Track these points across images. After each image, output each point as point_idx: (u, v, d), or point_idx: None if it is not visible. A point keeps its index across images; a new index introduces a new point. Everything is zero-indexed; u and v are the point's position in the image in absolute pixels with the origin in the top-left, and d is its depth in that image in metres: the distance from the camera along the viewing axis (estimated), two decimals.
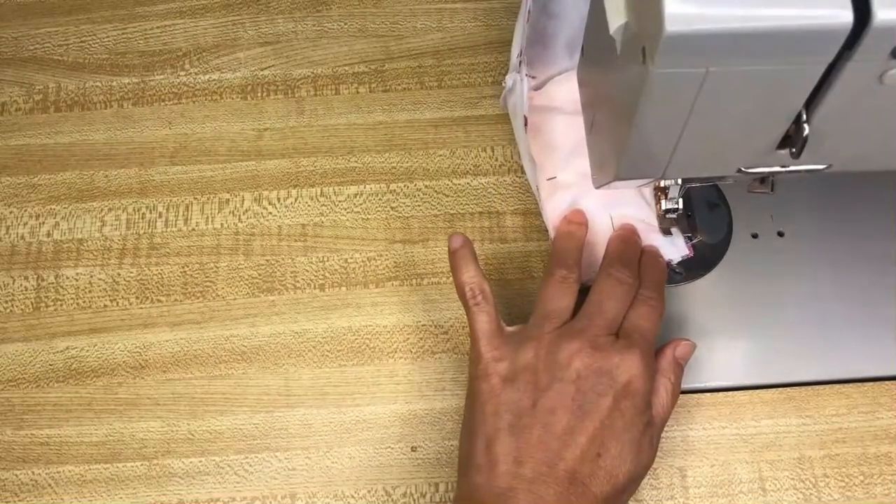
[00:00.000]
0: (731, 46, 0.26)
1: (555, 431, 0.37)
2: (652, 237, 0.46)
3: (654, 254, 0.45)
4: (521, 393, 0.38)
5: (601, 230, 0.46)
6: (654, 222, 0.46)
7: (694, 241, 0.47)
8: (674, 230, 0.46)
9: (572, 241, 0.44)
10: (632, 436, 0.37)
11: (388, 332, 0.47)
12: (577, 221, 0.46)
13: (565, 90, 0.49)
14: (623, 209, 0.46)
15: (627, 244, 0.44)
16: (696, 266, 0.47)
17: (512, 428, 0.37)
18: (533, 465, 0.36)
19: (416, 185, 0.50)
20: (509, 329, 0.41)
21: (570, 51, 0.49)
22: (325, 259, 0.49)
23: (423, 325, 0.47)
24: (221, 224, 0.50)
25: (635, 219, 0.46)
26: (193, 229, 0.50)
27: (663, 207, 0.46)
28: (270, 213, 0.50)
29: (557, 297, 0.41)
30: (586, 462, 0.36)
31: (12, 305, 0.48)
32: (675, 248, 0.46)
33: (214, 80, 0.54)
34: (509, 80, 0.48)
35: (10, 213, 0.50)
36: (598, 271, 0.42)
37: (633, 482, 0.38)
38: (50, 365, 0.47)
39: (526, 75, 0.47)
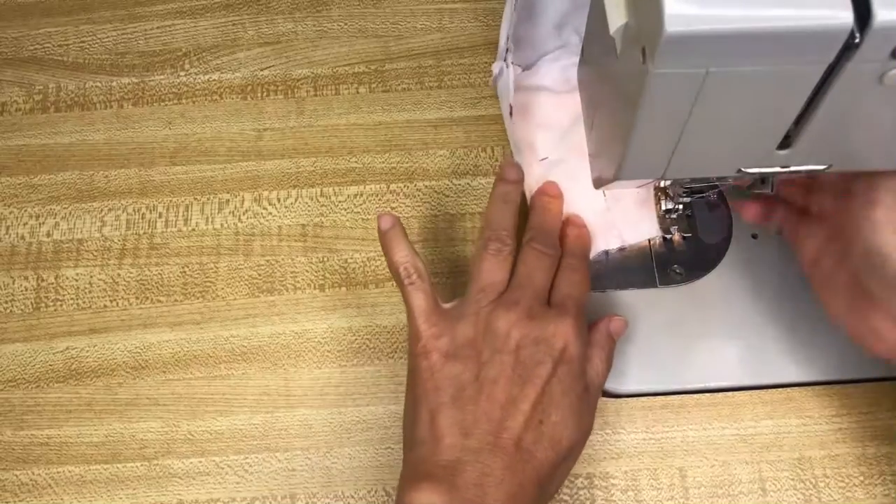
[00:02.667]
0: (731, 46, 0.26)
1: (498, 401, 0.38)
2: (644, 212, 0.47)
3: (577, 223, 0.46)
4: (463, 367, 0.39)
5: (596, 207, 0.47)
6: (649, 195, 0.47)
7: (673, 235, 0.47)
8: (673, 229, 0.46)
9: (506, 205, 0.44)
10: (570, 400, 0.38)
11: (388, 332, 0.47)
12: (513, 180, 0.44)
13: (555, 70, 0.50)
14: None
15: (547, 215, 0.45)
16: (696, 266, 0.47)
17: (455, 401, 0.38)
18: (478, 436, 0.37)
19: (416, 185, 0.50)
20: (446, 306, 0.41)
21: (558, 29, 0.49)
22: (325, 259, 0.49)
23: None
24: (221, 224, 0.50)
25: (627, 193, 0.47)
26: (193, 229, 0.50)
27: (663, 207, 0.46)
28: (270, 213, 0.50)
29: (493, 270, 0.41)
30: (530, 429, 0.37)
31: (12, 305, 0.48)
32: (647, 229, 0.47)
33: (214, 80, 0.54)
34: (496, 67, 0.48)
35: (10, 213, 0.50)
36: (522, 244, 0.43)
37: (575, 447, 0.39)
38: (50, 365, 0.47)
39: (512, 63, 0.47)
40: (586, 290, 0.43)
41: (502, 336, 0.39)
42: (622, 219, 0.47)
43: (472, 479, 0.36)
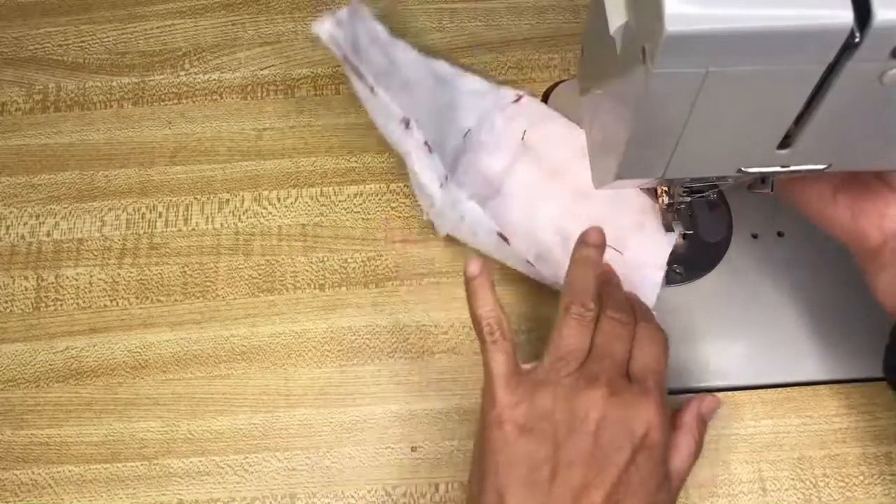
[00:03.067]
0: (731, 46, 0.26)
1: (571, 486, 0.35)
2: (644, 238, 0.46)
3: (634, 294, 0.43)
4: (538, 444, 0.36)
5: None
6: (651, 217, 0.46)
7: (681, 233, 0.47)
8: (675, 224, 0.46)
9: (589, 268, 0.41)
10: (648, 490, 0.36)
11: (388, 332, 0.47)
12: (595, 244, 0.41)
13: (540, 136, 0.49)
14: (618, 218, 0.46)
15: (611, 285, 0.43)
16: (696, 266, 0.47)
17: (527, 482, 0.35)
18: None
19: None
20: (525, 367, 0.39)
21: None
22: (325, 259, 0.49)
23: (422, 325, 0.47)
24: (221, 224, 0.50)
25: (622, 226, 0.46)
26: (193, 229, 0.50)
27: (665, 202, 0.46)
28: (270, 213, 0.50)
29: (574, 337, 0.38)
30: None
31: (12, 305, 0.48)
32: (665, 246, 0.46)
33: (214, 80, 0.54)
34: (444, 206, 0.45)
35: (10, 213, 0.50)
36: (601, 314, 0.40)
37: None
38: (50, 365, 0.47)
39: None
40: (665, 364, 0.39)
41: (581, 414, 0.36)
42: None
43: None
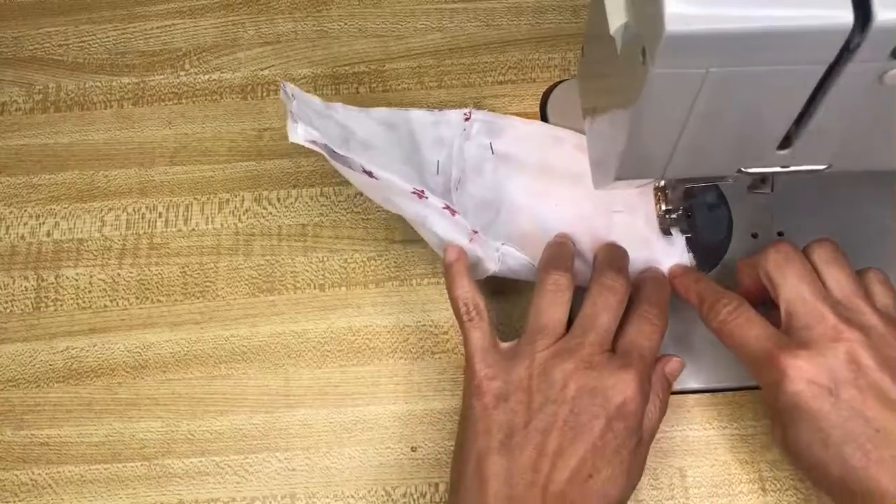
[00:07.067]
0: (732, 46, 0.26)
1: (546, 453, 0.37)
2: (653, 241, 0.45)
3: (659, 272, 0.44)
4: (514, 412, 0.38)
5: (601, 234, 0.46)
6: (654, 223, 0.46)
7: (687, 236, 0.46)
8: (673, 231, 0.46)
9: (564, 245, 0.44)
10: (622, 457, 0.37)
11: (388, 332, 0.47)
12: (565, 241, 0.44)
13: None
14: (623, 215, 0.46)
15: (616, 250, 0.44)
16: (697, 266, 0.47)
17: (503, 447, 0.37)
18: (523, 487, 0.36)
19: None
20: (504, 345, 0.41)
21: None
22: (325, 259, 0.49)
23: (422, 325, 0.47)
24: (221, 224, 0.50)
25: (634, 223, 0.46)
26: (193, 229, 0.50)
27: (663, 207, 0.46)
28: (270, 213, 0.50)
29: (550, 308, 0.40)
30: (576, 484, 0.36)
31: (12, 305, 0.48)
32: (674, 253, 0.45)
33: (214, 80, 0.54)
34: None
35: (10, 213, 0.50)
36: (591, 281, 0.41)
37: (623, 501, 0.38)
38: (50, 365, 0.47)
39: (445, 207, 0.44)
40: (658, 343, 0.40)
41: (557, 385, 0.38)
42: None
43: None
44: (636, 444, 0.38)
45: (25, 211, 0.50)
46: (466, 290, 0.41)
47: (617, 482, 0.37)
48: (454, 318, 0.42)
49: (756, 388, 0.45)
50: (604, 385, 0.37)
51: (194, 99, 0.53)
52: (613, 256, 0.43)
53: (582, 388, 0.37)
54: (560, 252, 0.43)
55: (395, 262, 0.48)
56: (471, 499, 0.37)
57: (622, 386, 0.37)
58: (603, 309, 0.40)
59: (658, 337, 0.40)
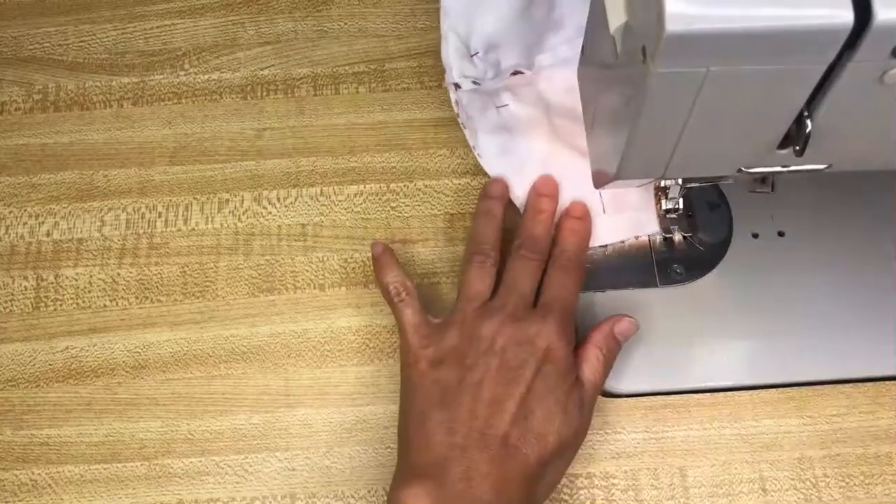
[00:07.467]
0: (732, 46, 0.26)
1: (483, 400, 0.39)
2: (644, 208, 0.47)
3: (576, 214, 0.46)
4: (449, 371, 0.40)
5: (593, 204, 0.47)
6: (649, 193, 0.47)
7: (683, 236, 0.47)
8: (673, 228, 0.47)
9: (490, 219, 0.45)
10: (556, 397, 0.39)
11: (388, 332, 0.47)
12: (496, 196, 0.47)
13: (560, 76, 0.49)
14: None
15: (538, 219, 0.45)
16: (696, 266, 0.47)
17: (442, 403, 0.39)
18: (464, 433, 0.38)
19: (416, 184, 0.50)
20: (435, 320, 0.43)
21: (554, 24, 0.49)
22: (325, 259, 0.49)
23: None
24: (221, 224, 0.50)
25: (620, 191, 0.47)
26: (193, 229, 0.50)
27: (663, 207, 0.46)
28: (270, 212, 0.50)
29: (477, 281, 0.43)
30: (515, 426, 0.38)
31: (12, 305, 0.48)
32: (640, 225, 0.47)
33: (214, 79, 0.54)
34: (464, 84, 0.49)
35: (10, 212, 0.50)
36: (511, 251, 0.44)
37: (565, 445, 0.39)
38: (49, 365, 0.47)
39: (473, 81, 0.48)
40: (576, 291, 0.43)
41: (487, 340, 0.40)
42: (621, 214, 0.47)
43: (459, 474, 0.37)
44: (571, 386, 0.40)
45: (25, 211, 0.50)
46: (395, 275, 0.44)
47: (553, 422, 0.39)
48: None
49: (755, 387, 0.45)
50: (528, 334, 0.40)
51: (194, 99, 0.53)
52: (533, 227, 0.45)
53: (509, 339, 0.40)
54: (486, 228, 0.45)
55: None
56: (417, 456, 0.38)
57: (545, 333, 0.40)
58: (521, 275, 0.43)
59: (573, 283, 0.43)
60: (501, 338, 0.40)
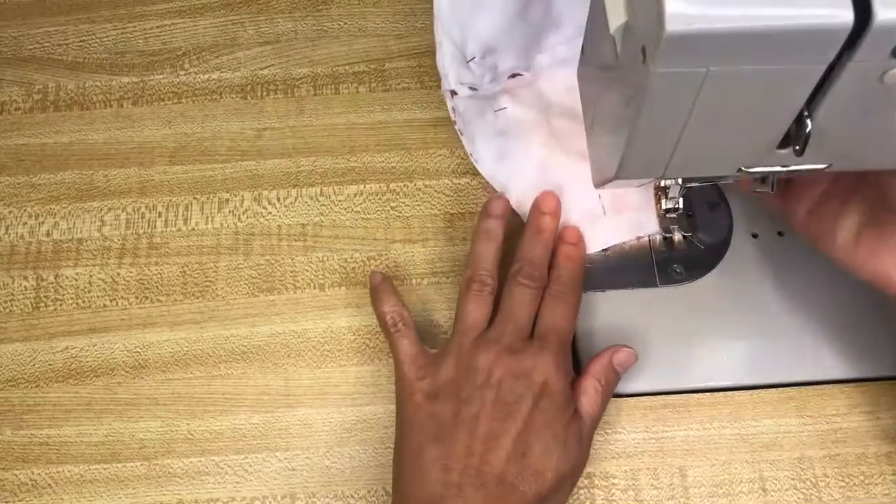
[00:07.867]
0: (732, 46, 0.26)
1: (479, 436, 0.38)
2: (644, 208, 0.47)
3: (570, 240, 0.45)
4: (445, 405, 0.39)
5: (593, 207, 0.47)
6: (649, 193, 0.47)
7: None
8: (673, 228, 0.46)
9: (489, 242, 0.44)
10: (554, 431, 0.39)
11: None
12: (496, 215, 0.45)
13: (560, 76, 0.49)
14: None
15: (538, 239, 0.45)
16: (696, 266, 0.47)
17: (437, 438, 0.39)
18: (460, 470, 0.37)
19: (416, 184, 0.50)
20: (432, 351, 0.42)
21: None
22: (325, 259, 0.49)
23: (422, 325, 0.47)
24: (221, 224, 0.50)
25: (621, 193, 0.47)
26: (193, 229, 0.50)
27: (663, 207, 0.46)
28: (270, 212, 0.50)
29: (474, 310, 0.42)
30: (512, 462, 0.37)
31: (12, 305, 0.48)
32: (639, 227, 0.47)
33: (214, 79, 0.54)
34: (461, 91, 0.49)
35: (10, 212, 0.50)
36: (509, 275, 0.43)
37: (563, 480, 0.39)
38: (49, 365, 0.47)
39: (470, 87, 0.48)
40: (572, 319, 0.43)
41: (483, 372, 0.40)
42: (621, 216, 0.47)
43: None
44: (569, 419, 0.39)
45: (25, 211, 0.50)
46: (392, 305, 0.43)
47: (551, 458, 0.38)
48: (450, 326, 0.42)
49: (755, 387, 0.45)
50: (525, 367, 0.40)
51: (194, 98, 0.53)
52: (532, 250, 0.44)
53: (506, 372, 0.39)
54: (486, 253, 0.44)
55: (394, 262, 0.48)
56: (411, 491, 0.38)
57: (542, 366, 0.40)
58: (519, 304, 0.42)
59: (570, 313, 0.43)
60: (498, 370, 0.40)
